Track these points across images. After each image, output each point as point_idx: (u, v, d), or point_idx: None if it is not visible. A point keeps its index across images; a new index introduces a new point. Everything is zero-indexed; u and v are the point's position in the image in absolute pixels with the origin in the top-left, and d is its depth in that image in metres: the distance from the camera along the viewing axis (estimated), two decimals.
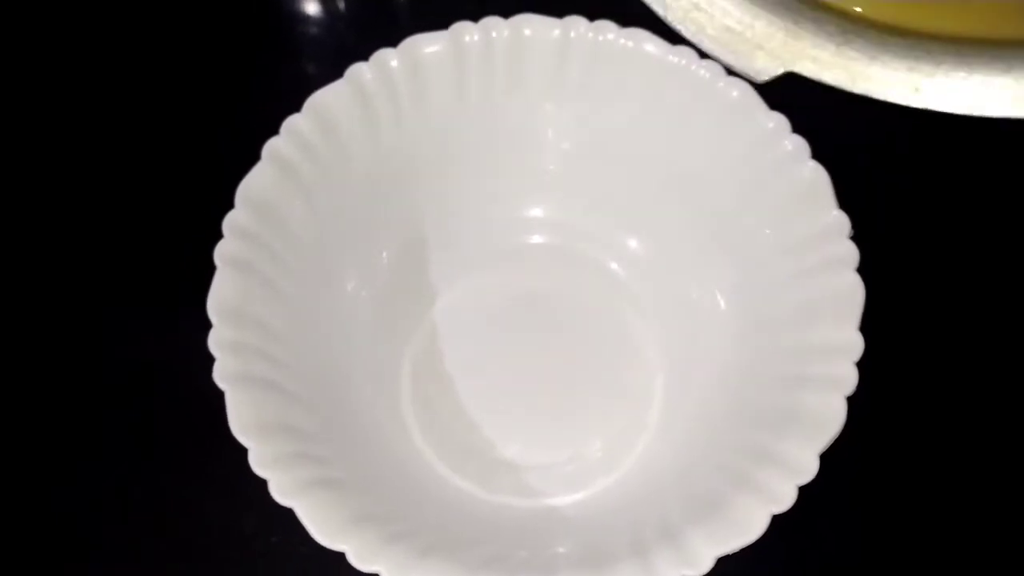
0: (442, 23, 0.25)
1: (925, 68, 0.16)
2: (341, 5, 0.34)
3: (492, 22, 0.25)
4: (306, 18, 0.34)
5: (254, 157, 0.24)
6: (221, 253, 0.22)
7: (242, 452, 0.20)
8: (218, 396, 0.21)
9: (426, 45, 0.25)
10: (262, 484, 0.20)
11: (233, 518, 0.26)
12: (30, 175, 0.31)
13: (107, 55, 0.33)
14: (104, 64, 0.33)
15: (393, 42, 0.25)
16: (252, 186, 0.23)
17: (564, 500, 0.24)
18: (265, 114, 0.24)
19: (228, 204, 0.23)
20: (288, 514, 0.20)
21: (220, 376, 0.21)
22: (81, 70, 0.33)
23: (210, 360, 0.21)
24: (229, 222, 0.23)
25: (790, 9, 0.17)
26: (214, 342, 0.21)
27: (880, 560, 0.25)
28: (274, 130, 0.24)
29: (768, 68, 0.16)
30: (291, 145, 0.24)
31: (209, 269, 0.22)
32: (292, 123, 0.24)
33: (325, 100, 0.24)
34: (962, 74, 0.15)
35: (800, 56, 0.16)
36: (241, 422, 0.20)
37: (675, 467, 0.24)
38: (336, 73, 0.25)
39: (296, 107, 0.24)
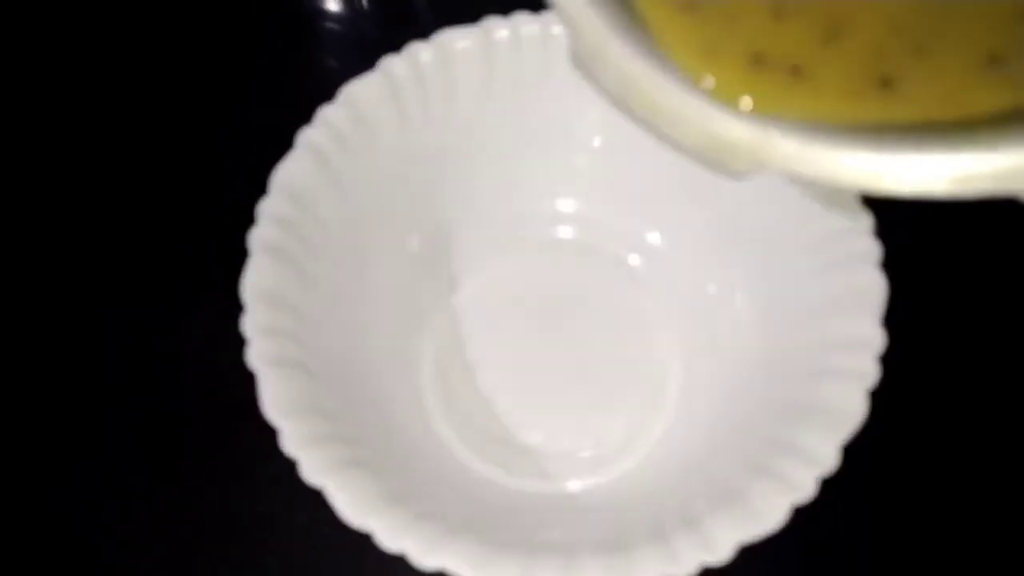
0: (463, 22, 0.25)
1: (885, 158, 0.16)
2: (364, 2, 0.34)
3: (522, 18, 0.25)
4: (330, 15, 0.34)
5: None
6: (256, 238, 0.22)
7: (257, 437, 0.20)
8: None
9: (457, 40, 0.25)
10: (281, 468, 0.20)
11: (252, 503, 0.26)
12: (31, 171, 0.31)
13: (128, 49, 0.33)
14: (128, 57, 0.33)
15: (416, 39, 0.25)
16: (286, 174, 0.23)
17: (585, 485, 0.25)
18: (277, 110, 0.25)
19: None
20: (311, 497, 0.20)
21: (254, 358, 0.21)
22: (104, 65, 0.33)
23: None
24: (264, 209, 0.23)
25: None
26: (249, 325, 0.21)
27: (898, 554, 0.26)
28: (293, 123, 0.24)
29: (744, 168, 0.17)
30: (324, 134, 0.24)
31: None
32: (325, 113, 0.24)
33: (357, 91, 0.25)
34: (916, 158, 0.16)
35: (772, 154, 0.17)
36: (274, 403, 0.20)
37: (694, 456, 0.24)
38: (359, 69, 0.25)
39: (317, 101, 0.24)
